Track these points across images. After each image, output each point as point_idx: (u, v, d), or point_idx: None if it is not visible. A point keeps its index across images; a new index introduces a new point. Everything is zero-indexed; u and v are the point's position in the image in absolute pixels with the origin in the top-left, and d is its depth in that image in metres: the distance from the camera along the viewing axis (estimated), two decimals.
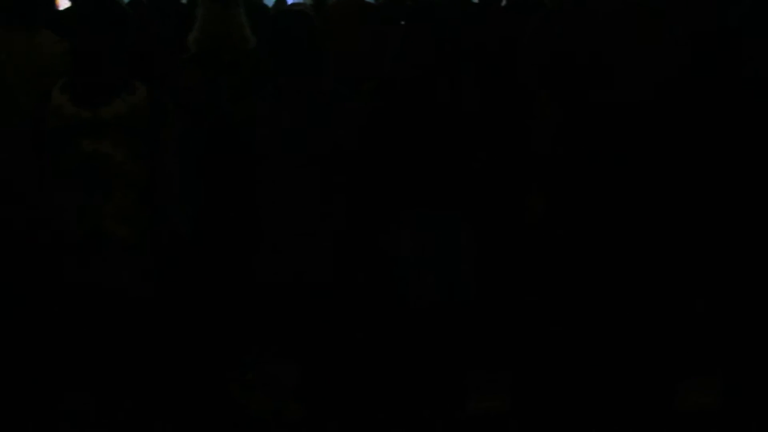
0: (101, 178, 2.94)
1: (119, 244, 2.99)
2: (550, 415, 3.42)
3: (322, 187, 3.25)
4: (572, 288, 3.47)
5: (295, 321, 3.35)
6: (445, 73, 3.39)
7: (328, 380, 3.47)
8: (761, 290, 3.41)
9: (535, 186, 3.44)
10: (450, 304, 3.49)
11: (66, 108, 2.95)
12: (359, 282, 3.51)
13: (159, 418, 3.25)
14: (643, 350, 3.43)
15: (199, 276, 3.78)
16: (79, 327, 3.05)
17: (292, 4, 7.00)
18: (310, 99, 3.25)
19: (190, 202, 3.28)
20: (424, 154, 3.34)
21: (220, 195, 3.61)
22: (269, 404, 3.41)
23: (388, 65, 3.86)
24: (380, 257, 3.51)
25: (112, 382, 3.10)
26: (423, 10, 3.44)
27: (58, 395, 3.25)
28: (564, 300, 3.50)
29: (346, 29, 5.42)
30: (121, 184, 2.96)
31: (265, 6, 6.29)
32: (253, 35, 4.18)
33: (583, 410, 3.39)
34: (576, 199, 3.38)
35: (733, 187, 3.35)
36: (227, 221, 3.52)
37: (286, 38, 3.24)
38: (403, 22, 4.16)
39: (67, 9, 5.23)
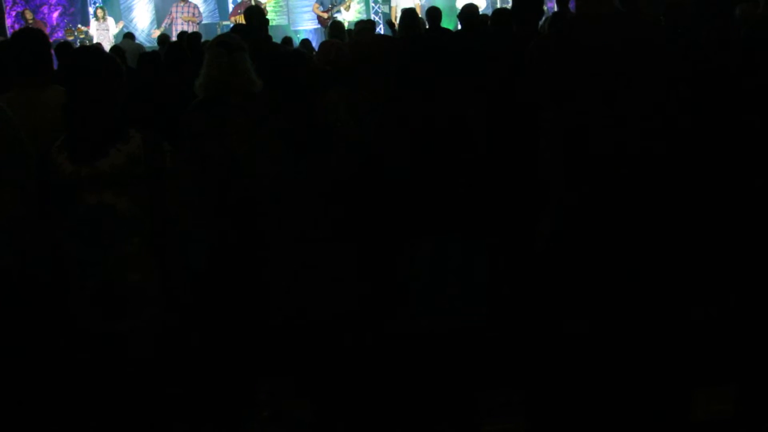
0: (108, 228, 3.00)
1: (131, 291, 3.03)
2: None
3: (332, 220, 3.26)
4: (582, 304, 3.44)
5: (308, 355, 3.37)
6: (448, 101, 3.41)
7: (341, 414, 3.46)
8: None
9: (544, 208, 3.42)
10: (463, 328, 3.47)
11: (65, 166, 3.02)
12: (371, 313, 3.51)
13: None
14: (656, 362, 3.39)
15: (213, 313, 3.80)
16: (95, 373, 3.12)
17: (322, 43, 7.06)
18: (307, 134, 3.27)
19: (203, 243, 3.32)
20: (430, 181, 3.36)
21: (233, 235, 3.66)
22: None
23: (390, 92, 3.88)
24: (393, 284, 3.51)
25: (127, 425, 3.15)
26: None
27: None
28: (575, 316, 3.47)
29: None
30: (128, 232, 3.01)
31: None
32: (260, 79, 4.25)
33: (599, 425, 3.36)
34: (581, 219, 3.36)
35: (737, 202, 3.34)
36: (240, 259, 3.56)
37: (283, 78, 3.28)
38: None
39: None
